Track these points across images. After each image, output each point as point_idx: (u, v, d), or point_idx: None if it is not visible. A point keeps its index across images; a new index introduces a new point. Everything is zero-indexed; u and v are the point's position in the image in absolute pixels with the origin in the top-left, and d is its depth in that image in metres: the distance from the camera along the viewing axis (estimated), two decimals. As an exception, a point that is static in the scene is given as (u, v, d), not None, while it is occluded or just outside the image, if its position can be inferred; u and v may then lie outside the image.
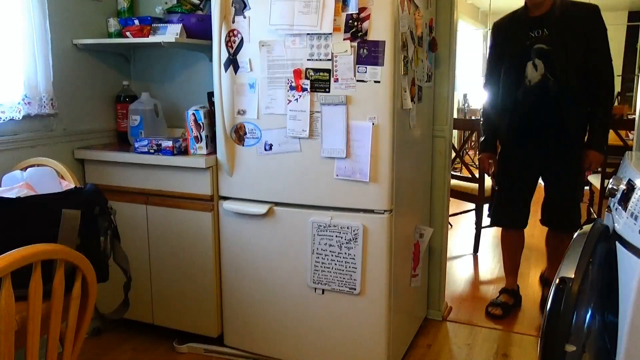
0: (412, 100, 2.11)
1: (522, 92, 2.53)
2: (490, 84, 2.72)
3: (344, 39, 1.91)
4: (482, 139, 2.88)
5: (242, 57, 2.09)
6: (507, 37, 2.62)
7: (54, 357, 1.34)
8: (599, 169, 3.66)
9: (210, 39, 2.10)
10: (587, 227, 1.50)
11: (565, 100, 2.47)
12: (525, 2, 2.55)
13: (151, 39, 2.33)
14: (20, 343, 1.23)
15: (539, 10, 2.49)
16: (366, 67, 1.91)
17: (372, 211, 2.00)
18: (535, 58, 2.48)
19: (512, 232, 2.85)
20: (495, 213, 2.85)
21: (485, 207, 3.70)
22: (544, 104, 2.50)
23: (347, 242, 2.03)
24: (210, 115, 2.25)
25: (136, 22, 2.45)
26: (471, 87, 8.40)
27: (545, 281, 3.07)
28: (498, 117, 2.68)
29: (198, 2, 2.45)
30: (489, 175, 3.12)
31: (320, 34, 1.93)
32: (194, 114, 2.22)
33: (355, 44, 1.90)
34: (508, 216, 2.81)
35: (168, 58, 2.69)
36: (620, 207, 1.38)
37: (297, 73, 1.99)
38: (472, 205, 3.88)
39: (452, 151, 2.91)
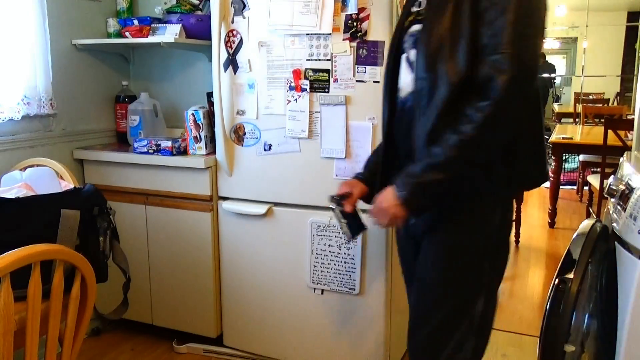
0: (411, 100, 2.11)
1: (395, 113, 1.41)
2: None
3: (343, 39, 1.91)
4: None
5: (241, 57, 2.09)
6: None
7: (53, 358, 1.34)
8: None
9: (210, 39, 2.10)
10: (586, 227, 1.50)
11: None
12: None
13: (150, 39, 2.33)
14: (19, 343, 1.23)
15: None
16: (365, 68, 1.91)
17: (371, 211, 2.00)
18: (411, 50, 1.34)
19: None
20: None
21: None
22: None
23: (346, 242, 2.03)
24: (210, 115, 2.25)
25: (135, 22, 2.45)
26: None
27: None
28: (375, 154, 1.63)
29: (197, 2, 2.45)
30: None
31: (319, 34, 1.93)
32: (193, 114, 2.22)
33: (354, 44, 1.90)
34: None
35: (167, 58, 2.69)
36: (619, 208, 1.38)
37: (296, 73, 1.99)
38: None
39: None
